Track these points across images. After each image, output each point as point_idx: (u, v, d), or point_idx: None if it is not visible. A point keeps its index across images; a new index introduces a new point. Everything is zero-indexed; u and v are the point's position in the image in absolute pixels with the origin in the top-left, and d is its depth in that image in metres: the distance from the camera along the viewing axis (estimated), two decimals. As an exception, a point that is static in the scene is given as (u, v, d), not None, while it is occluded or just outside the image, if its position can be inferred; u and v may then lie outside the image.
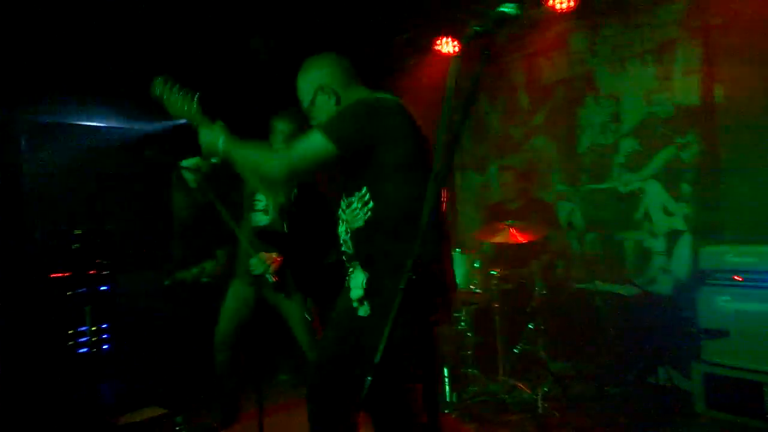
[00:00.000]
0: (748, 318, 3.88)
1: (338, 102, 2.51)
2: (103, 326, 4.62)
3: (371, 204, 2.32)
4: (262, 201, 3.92)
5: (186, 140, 4.19)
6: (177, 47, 5.28)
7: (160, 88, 2.55)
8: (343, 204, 2.48)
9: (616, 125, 5.43)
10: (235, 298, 3.95)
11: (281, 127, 3.82)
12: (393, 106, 2.39)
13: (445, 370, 4.59)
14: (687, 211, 4.94)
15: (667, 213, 5.07)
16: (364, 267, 2.39)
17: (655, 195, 5.16)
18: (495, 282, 4.72)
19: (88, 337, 4.51)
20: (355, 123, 2.29)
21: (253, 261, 3.60)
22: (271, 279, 3.58)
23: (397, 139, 2.30)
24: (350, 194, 2.42)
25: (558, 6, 5.21)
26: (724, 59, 4.67)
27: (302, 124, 3.77)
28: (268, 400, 4.82)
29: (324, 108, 2.52)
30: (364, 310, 2.37)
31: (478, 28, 2.00)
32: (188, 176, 3.61)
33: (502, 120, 6.58)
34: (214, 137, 2.43)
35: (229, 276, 4.06)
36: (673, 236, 5.04)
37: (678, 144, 4.97)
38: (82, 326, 4.49)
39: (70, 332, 4.44)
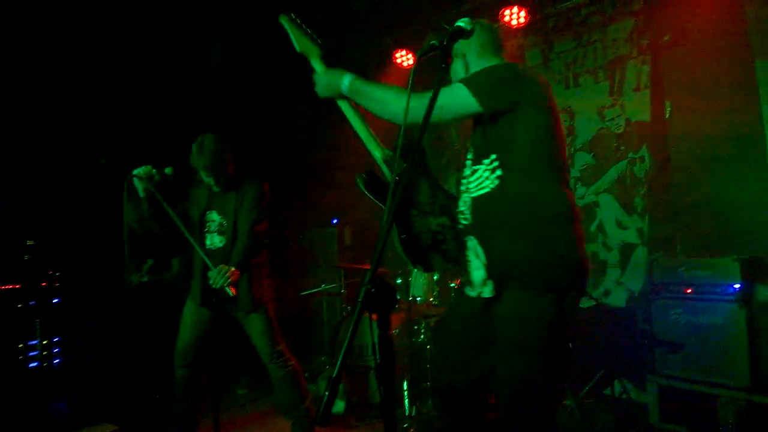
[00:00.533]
0: (701, 330, 3.94)
1: (466, 71, 2.47)
2: (55, 339, 4.50)
3: (499, 172, 2.27)
4: (215, 221, 3.84)
5: (141, 149, 4.12)
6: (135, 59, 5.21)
7: (287, 21, 2.61)
8: (466, 171, 2.43)
9: (571, 139, 5.54)
10: (193, 313, 3.85)
11: (199, 165, 3.74)
12: (537, 76, 2.39)
13: (404, 384, 4.57)
14: (640, 225, 5.05)
15: (621, 226, 5.18)
16: (482, 238, 2.31)
17: (608, 208, 5.27)
18: (454, 294, 4.74)
19: (38, 351, 4.39)
20: (501, 82, 2.25)
21: (212, 274, 3.52)
22: (230, 293, 3.51)
23: (535, 109, 2.26)
24: (476, 162, 2.36)
25: (512, 22, 5.33)
26: (673, 76, 4.83)
27: (217, 158, 3.72)
28: (225, 415, 4.75)
29: (455, 73, 2.51)
30: (488, 290, 2.27)
31: (434, 42, 2.05)
32: (138, 185, 3.54)
33: (461, 132, 6.64)
34: (337, 75, 2.45)
35: (187, 289, 3.97)
36: (626, 249, 5.14)
37: (630, 159, 5.09)
38: (32, 339, 4.37)
39: (20, 346, 4.31)
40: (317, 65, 2.56)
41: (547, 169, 2.27)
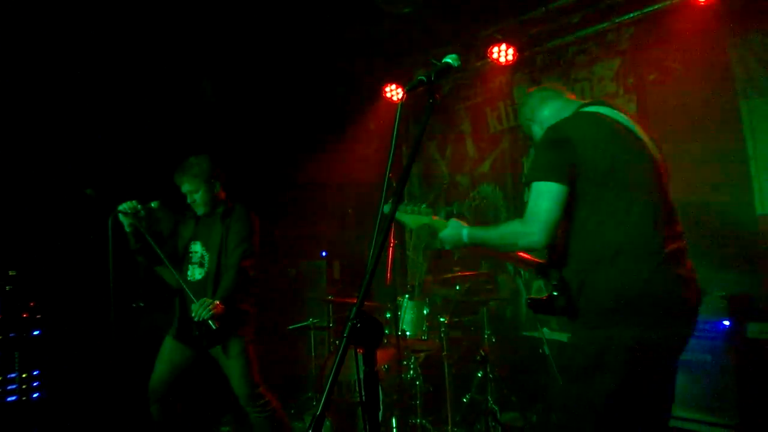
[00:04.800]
0: (690, 367, 3.90)
1: (541, 101, 2.69)
2: (34, 373, 4.40)
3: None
4: (197, 253, 3.78)
5: (129, 179, 4.07)
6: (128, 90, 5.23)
7: (401, 210, 2.75)
8: None
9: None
10: (171, 349, 3.75)
11: (184, 188, 3.74)
12: (581, 123, 2.44)
13: (393, 421, 4.50)
14: (629, 260, 5.04)
15: (610, 261, 5.17)
16: None
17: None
18: (444, 329, 4.70)
19: (17, 384, 4.28)
20: (554, 153, 2.33)
21: (194, 306, 3.43)
22: (213, 325, 3.43)
23: (591, 157, 2.31)
24: None
25: (501, 59, 5.41)
26: (659, 114, 4.89)
27: (203, 180, 3.72)
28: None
29: (527, 109, 2.74)
30: None
31: (422, 77, 2.07)
32: (124, 220, 3.51)
33: (450, 167, 6.68)
34: (456, 231, 2.60)
35: (166, 323, 3.87)
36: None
37: (619, 194, 5.11)
38: (11, 373, 4.26)
39: (-1, 379, 4.21)
40: (438, 227, 2.70)
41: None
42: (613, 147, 2.33)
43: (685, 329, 2.31)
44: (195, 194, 3.72)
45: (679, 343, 2.32)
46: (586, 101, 2.60)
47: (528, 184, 2.39)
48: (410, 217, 2.74)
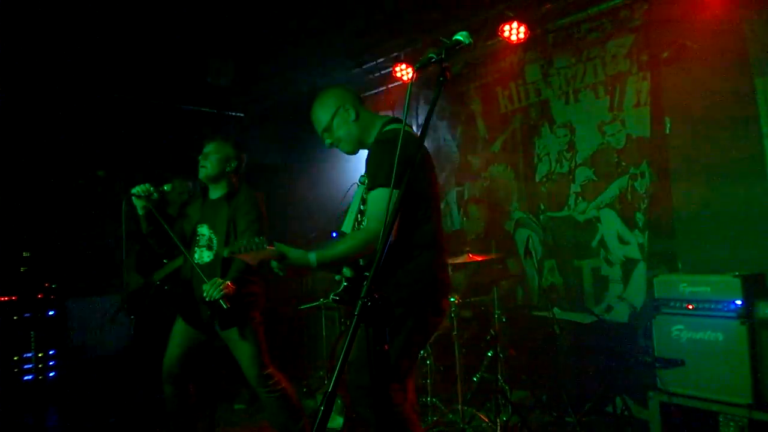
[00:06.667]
0: (702, 347, 3.92)
1: (357, 117, 2.90)
2: (50, 352, 4.47)
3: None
4: (205, 236, 3.78)
5: (140, 161, 4.10)
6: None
7: (234, 249, 2.64)
8: None
9: (572, 154, 5.53)
10: (182, 331, 3.78)
11: (205, 149, 3.77)
12: (407, 136, 2.59)
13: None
14: (641, 240, 5.03)
15: (622, 241, 5.16)
16: None
17: (610, 224, 5.25)
18: (454, 309, 4.71)
19: (33, 364, 4.35)
20: (391, 161, 2.42)
21: (206, 287, 3.43)
22: (224, 305, 3.45)
23: (415, 169, 2.50)
24: None
25: (512, 37, 5.35)
26: (673, 92, 4.83)
27: (223, 154, 3.77)
28: (223, 429, 4.72)
29: (343, 123, 2.90)
30: None
31: (432, 55, 2.07)
32: (137, 203, 3.52)
33: (461, 148, 6.65)
34: (301, 257, 2.64)
35: (177, 306, 3.90)
36: (628, 264, 5.12)
37: (631, 174, 5.08)
38: (27, 352, 4.34)
39: (15, 358, 4.27)
40: (288, 254, 2.65)
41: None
42: (426, 165, 2.77)
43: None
44: (210, 156, 3.73)
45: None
46: (388, 118, 2.93)
47: (372, 189, 2.65)
48: (250, 256, 2.64)
